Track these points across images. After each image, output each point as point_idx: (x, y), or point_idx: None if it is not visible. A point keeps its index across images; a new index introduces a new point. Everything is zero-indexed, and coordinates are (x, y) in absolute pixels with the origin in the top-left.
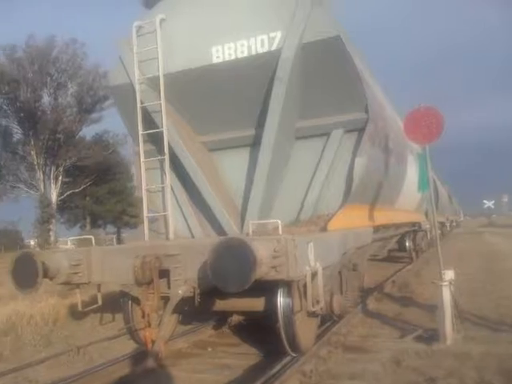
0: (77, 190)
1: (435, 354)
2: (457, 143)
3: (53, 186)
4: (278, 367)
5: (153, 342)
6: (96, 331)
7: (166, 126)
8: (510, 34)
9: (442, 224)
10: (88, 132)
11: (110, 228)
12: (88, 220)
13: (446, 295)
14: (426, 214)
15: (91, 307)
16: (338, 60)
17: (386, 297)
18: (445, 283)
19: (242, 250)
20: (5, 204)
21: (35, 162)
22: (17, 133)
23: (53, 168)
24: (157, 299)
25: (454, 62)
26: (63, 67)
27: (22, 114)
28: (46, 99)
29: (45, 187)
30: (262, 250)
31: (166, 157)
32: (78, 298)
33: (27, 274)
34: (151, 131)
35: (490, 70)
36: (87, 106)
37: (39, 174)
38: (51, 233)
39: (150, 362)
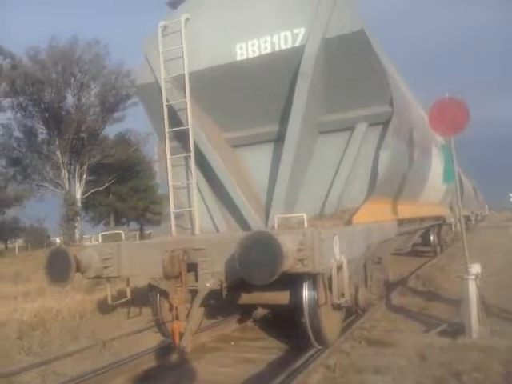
0: (101, 188)
1: (461, 348)
2: (483, 135)
3: (77, 184)
4: (301, 361)
5: (180, 334)
6: (122, 325)
7: (192, 124)
8: None
9: (467, 218)
10: (111, 131)
11: (133, 225)
12: (112, 217)
13: (472, 289)
14: (451, 208)
15: (120, 301)
16: (362, 54)
17: (410, 291)
18: (471, 277)
19: (270, 243)
20: (31, 203)
21: (60, 161)
22: (42, 133)
23: (77, 167)
24: (185, 292)
25: (484, 51)
26: (86, 67)
27: (46, 115)
28: (70, 99)
29: (69, 185)
30: (289, 243)
31: (192, 154)
32: (108, 291)
33: (61, 268)
34: (177, 129)
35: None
36: (110, 106)
37: (64, 173)
38: (76, 230)
39: (176, 355)
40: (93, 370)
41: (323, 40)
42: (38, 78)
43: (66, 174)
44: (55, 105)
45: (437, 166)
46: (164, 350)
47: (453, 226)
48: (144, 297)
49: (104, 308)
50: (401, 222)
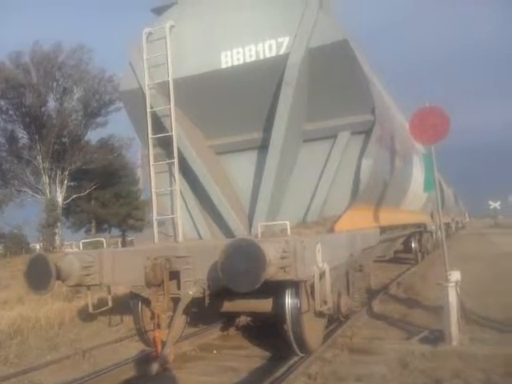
0: (82, 194)
1: (441, 355)
2: (463, 143)
3: (58, 189)
4: (282, 369)
5: (162, 343)
6: (102, 334)
7: (175, 130)
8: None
9: (448, 225)
10: (94, 136)
11: (115, 231)
12: (93, 224)
13: (452, 296)
14: (432, 215)
15: (101, 309)
16: (345, 63)
17: (392, 298)
18: (451, 284)
19: (253, 251)
20: (10, 208)
21: (41, 167)
22: (22, 137)
23: (58, 172)
24: (167, 300)
25: (466, 62)
26: (69, 72)
27: (27, 119)
28: (52, 104)
29: (50, 191)
30: (272, 251)
31: (175, 160)
32: (89, 299)
33: (41, 275)
34: (160, 135)
35: (491, 72)
36: (93, 111)
37: (45, 178)
38: (56, 237)
39: (157, 365)
40: (71, 381)
41: (307, 49)
42: (19, 81)
43: (47, 179)
44: (37, 109)
45: (418, 174)
46: (145, 360)
47: (434, 234)
48: (125, 305)
49: (84, 316)
50: (383, 230)
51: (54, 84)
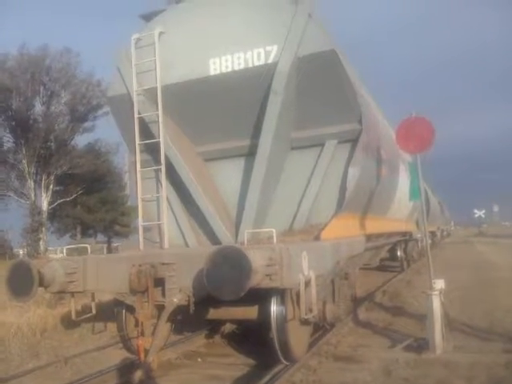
0: (68, 199)
1: (425, 363)
2: (448, 154)
3: (44, 194)
4: (267, 377)
5: (146, 351)
6: (85, 341)
7: (163, 137)
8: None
9: (433, 233)
10: (81, 141)
11: (101, 237)
12: (79, 229)
13: (436, 305)
14: (417, 224)
15: (85, 316)
16: (332, 73)
17: (377, 306)
18: (435, 293)
19: (238, 259)
20: None
21: (26, 171)
22: (8, 141)
23: (44, 176)
24: (151, 308)
25: (449, 73)
26: (56, 76)
27: (13, 123)
28: (39, 108)
29: (35, 196)
30: (257, 259)
31: (162, 167)
32: (73, 306)
33: (23, 282)
34: (148, 141)
35: (479, 82)
36: (80, 115)
37: (30, 183)
38: (41, 242)
39: (140, 373)
40: None
41: (295, 58)
42: (5, 85)
43: (32, 183)
44: (23, 113)
45: (404, 182)
46: (128, 367)
47: (419, 242)
48: (109, 312)
49: (67, 323)
50: (369, 238)
51: (41, 88)
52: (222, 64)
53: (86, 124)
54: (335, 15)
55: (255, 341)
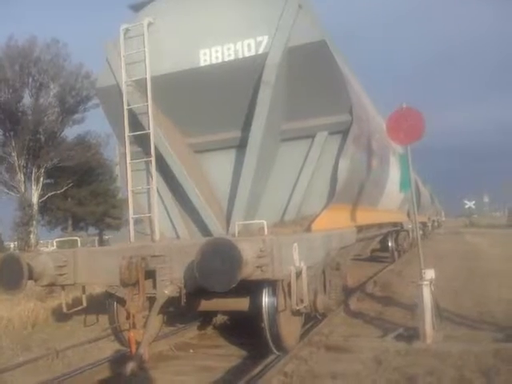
0: (58, 192)
1: (415, 352)
2: (439, 145)
3: (34, 187)
4: (259, 368)
5: (137, 343)
6: (76, 334)
7: (153, 128)
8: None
9: (424, 224)
10: (71, 133)
11: (92, 230)
12: (70, 222)
13: (427, 294)
14: (408, 215)
15: (76, 309)
16: (322, 63)
17: (368, 296)
18: (425, 282)
19: (229, 250)
20: None
21: (16, 164)
22: None
23: (34, 169)
24: (142, 300)
25: (444, 66)
26: (45, 68)
27: (1, 115)
28: (28, 100)
29: (25, 189)
30: (248, 250)
31: (153, 158)
32: (63, 299)
33: (12, 275)
34: (138, 133)
35: (472, 75)
36: (70, 107)
37: (20, 176)
38: (32, 235)
39: (132, 365)
40: (44, 381)
41: (286, 48)
42: None
43: (22, 176)
44: (12, 105)
45: (394, 173)
46: (120, 360)
47: (410, 232)
48: (101, 304)
49: (58, 316)
50: (360, 229)
51: (30, 79)
52: (212, 55)
53: (76, 116)
54: (327, 6)
55: (247, 332)
